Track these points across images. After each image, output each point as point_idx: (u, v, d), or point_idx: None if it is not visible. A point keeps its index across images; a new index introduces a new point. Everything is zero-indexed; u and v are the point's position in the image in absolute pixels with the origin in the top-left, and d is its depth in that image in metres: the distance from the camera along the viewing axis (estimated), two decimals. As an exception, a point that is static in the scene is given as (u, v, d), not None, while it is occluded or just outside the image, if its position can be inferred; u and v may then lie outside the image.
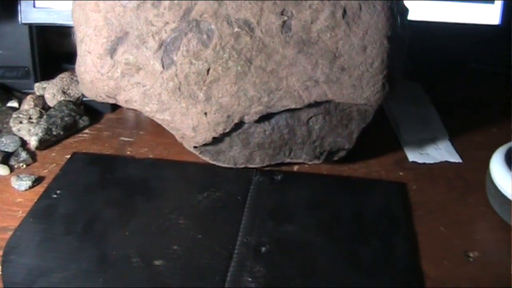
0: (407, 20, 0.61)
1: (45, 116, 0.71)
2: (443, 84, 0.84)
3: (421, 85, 0.83)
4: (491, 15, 0.77)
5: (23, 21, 0.78)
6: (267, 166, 0.62)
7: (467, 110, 0.79)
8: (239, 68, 0.55)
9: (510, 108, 0.77)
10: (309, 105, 0.56)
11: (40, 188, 0.61)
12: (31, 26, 0.80)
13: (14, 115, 0.73)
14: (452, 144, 0.70)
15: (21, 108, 0.76)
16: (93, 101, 0.64)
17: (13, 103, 0.79)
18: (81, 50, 0.61)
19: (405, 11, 0.61)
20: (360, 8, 0.55)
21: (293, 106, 0.56)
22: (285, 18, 0.54)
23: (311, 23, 0.54)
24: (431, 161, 0.67)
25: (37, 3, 0.77)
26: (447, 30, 0.78)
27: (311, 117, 0.58)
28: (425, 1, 0.76)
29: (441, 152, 0.69)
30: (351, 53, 0.55)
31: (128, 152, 0.67)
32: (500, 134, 0.71)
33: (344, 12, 0.55)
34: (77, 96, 0.76)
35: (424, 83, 0.83)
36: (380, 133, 0.70)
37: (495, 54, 0.85)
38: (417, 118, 0.75)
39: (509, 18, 0.77)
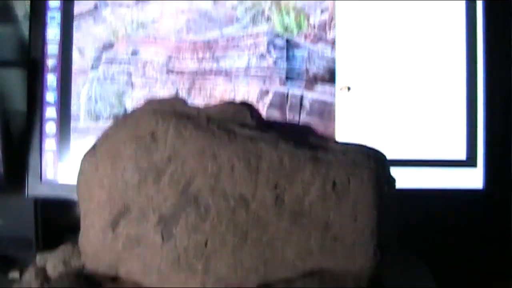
0: (395, 188, 0.65)
1: (45, 288, 0.72)
2: (433, 248, 0.86)
3: (411, 249, 0.84)
4: (474, 180, 0.81)
5: (29, 195, 0.81)
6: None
7: (460, 273, 0.80)
8: (236, 240, 0.57)
9: (503, 270, 0.78)
10: (304, 275, 0.58)
11: None
12: (36, 199, 0.84)
13: (15, 286, 0.74)
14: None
15: (22, 279, 0.77)
16: (94, 272, 0.66)
17: (14, 274, 0.80)
18: (84, 223, 0.63)
19: (392, 180, 0.64)
20: (349, 180, 0.59)
21: (288, 276, 0.58)
22: (278, 192, 0.57)
23: (303, 195, 0.57)
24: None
25: (44, 177, 0.81)
26: (433, 195, 0.81)
27: (306, 286, 0.59)
28: (409, 168, 0.80)
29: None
30: (342, 223, 0.58)
31: (127, 324, 0.67)
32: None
33: (334, 184, 0.58)
34: (78, 267, 0.77)
35: (415, 248, 0.85)
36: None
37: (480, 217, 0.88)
38: (411, 282, 0.76)
39: (491, 183, 0.81)
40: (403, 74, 0.81)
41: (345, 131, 0.80)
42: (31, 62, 0.83)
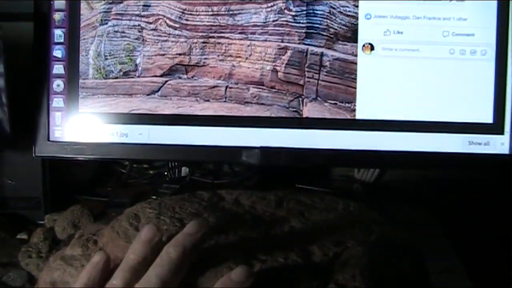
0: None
1: (54, 251, 0.70)
2: (459, 213, 0.84)
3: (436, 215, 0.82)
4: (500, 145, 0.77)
5: (37, 154, 0.78)
6: None
7: (486, 238, 0.77)
8: None
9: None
10: None
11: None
12: (44, 158, 0.81)
13: (23, 249, 0.72)
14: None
15: (30, 241, 0.75)
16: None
17: (23, 235, 0.78)
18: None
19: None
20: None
21: None
22: None
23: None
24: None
25: (52, 136, 0.78)
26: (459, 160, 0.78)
27: None
28: (433, 133, 0.77)
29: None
30: None
31: None
32: None
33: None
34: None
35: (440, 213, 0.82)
36: None
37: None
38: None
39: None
40: (429, 34, 0.76)
41: (367, 92, 0.76)
42: (37, 16, 0.79)
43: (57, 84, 0.78)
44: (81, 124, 0.78)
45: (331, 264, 0.51)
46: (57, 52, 0.78)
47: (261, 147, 0.76)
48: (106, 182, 0.98)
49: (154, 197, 0.87)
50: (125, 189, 0.95)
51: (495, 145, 0.77)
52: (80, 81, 0.78)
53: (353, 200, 0.66)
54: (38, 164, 0.83)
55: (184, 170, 0.98)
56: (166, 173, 0.99)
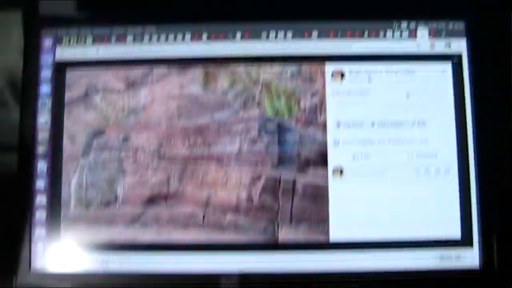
0: None
1: None
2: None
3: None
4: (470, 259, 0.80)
5: (18, 286, 0.79)
6: None
7: None
8: None
9: None
10: None
11: None
12: (25, 289, 0.82)
13: None
14: None
15: None
16: None
17: None
18: None
19: None
20: None
21: None
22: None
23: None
24: None
25: (33, 267, 0.79)
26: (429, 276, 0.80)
27: None
28: (405, 251, 0.79)
29: None
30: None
31: None
32: None
33: None
34: None
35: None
36: None
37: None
38: None
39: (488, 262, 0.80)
40: (395, 156, 0.80)
41: (339, 214, 0.79)
42: (21, 149, 0.82)
43: (39, 215, 0.80)
44: (63, 253, 0.79)
45: None
46: (40, 184, 0.81)
47: (239, 273, 0.78)
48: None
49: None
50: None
51: (466, 259, 0.80)
52: (62, 211, 0.80)
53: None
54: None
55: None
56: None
